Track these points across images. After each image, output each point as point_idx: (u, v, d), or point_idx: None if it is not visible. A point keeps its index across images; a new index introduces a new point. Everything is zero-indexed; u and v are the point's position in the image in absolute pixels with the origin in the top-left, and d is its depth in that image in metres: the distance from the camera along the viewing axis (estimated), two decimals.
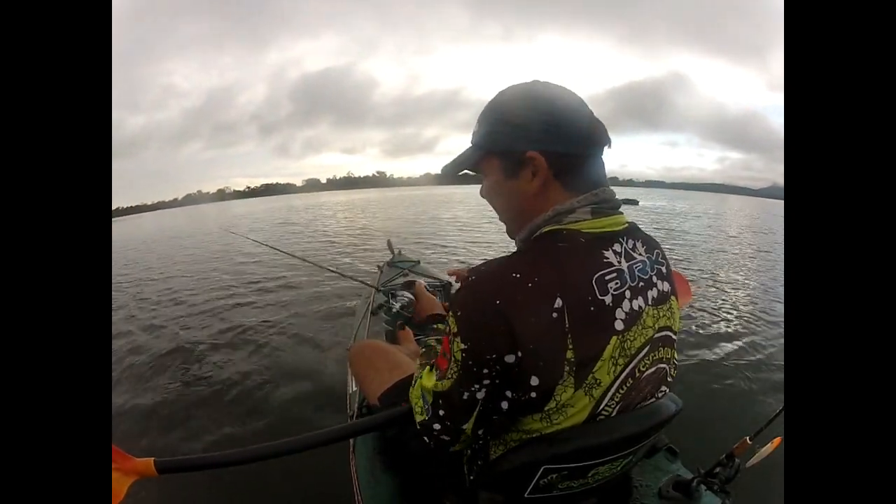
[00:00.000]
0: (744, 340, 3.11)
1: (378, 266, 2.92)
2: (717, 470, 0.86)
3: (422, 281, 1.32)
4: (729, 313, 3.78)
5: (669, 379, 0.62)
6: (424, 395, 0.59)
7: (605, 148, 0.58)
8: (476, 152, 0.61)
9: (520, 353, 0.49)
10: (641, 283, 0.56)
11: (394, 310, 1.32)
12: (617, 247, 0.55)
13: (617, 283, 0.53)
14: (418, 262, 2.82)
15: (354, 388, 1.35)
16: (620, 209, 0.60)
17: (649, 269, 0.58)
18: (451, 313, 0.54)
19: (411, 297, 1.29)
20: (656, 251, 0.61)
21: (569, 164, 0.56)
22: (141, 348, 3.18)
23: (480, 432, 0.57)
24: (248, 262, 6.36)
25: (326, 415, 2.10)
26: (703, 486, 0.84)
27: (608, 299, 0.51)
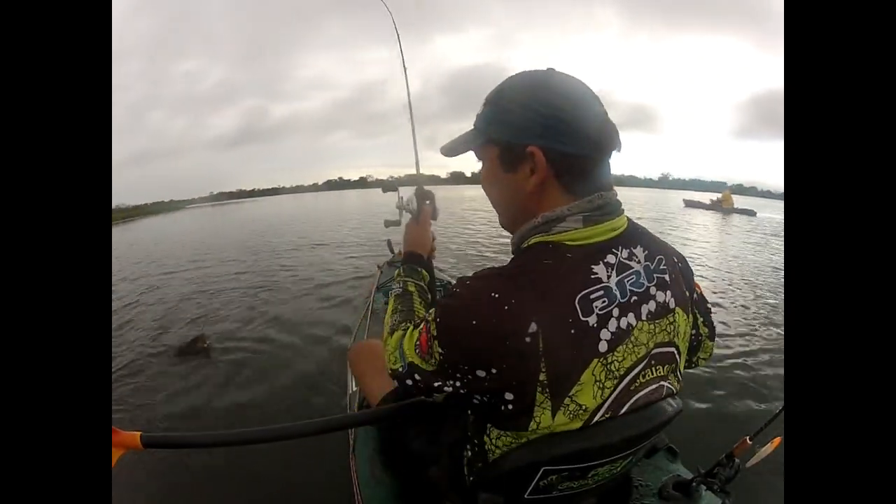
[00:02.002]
0: (745, 339, 3.11)
1: (378, 266, 2.93)
2: (717, 470, 0.86)
3: (428, 207, 0.92)
4: (731, 311, 3.78)
5: (670, 396, 0.58)
6: (403, 352, 0.59)
7: (615, 152, 0.55)
8: (477, 137, 0.58)
9: (493, 371, 0.49)
10: (634, 298, 0.52)
11: (397, 206, 0.98)
12: (611, 258, 0.52)
13: (604, 302, 0.50)
14: None
15: (355, 388, 1.35)
16: (622, 211, 0.57)
17: (645, 280, 0.54)
18: (433, 315, 0.54)
19: (417, 207, 0.92)
20: (658, 257, 0.57)
21: (572, 165, 0.53)
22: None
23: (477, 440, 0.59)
24: None
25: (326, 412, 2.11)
26: (703, 486, 0.83)
27: (592, 320, 0.49)
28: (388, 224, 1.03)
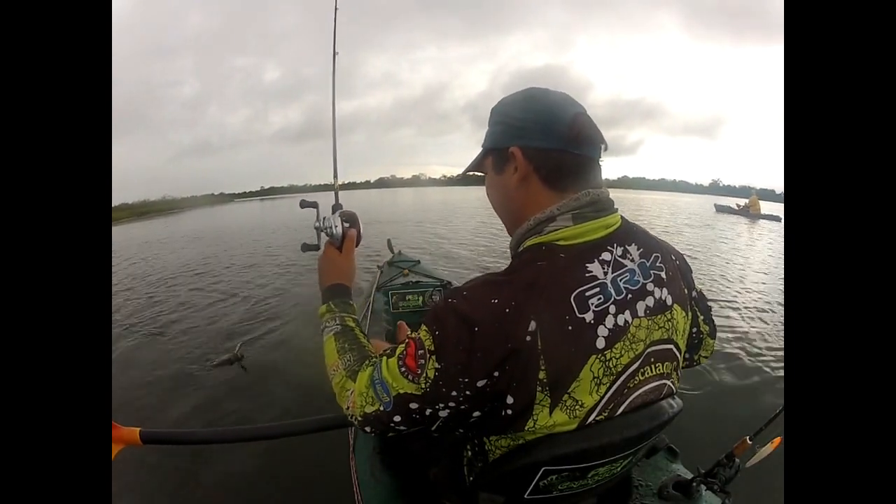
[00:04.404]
0: (745, 338, 3.11)
1: (378, 266, 2.92)
2: (717, 470, 0.86)
3: (353, 231, 0.83)
4: (732, 309, 3.78)
5: (671, 393, 0.59)
6: (386, 385, 0.55)
7: (602, 150, 0.58)
8: (481, 153, 0.65)
9: (495, 374, 0.49)
10: (630, 295, 0.53)
11: (316, 227, 0.83)
12: (606, 255, 0.53)
13: (600, 299, 0.51)
14: (418, 261, 2.82)
15: None
16: (615, 209, 0.58)
17: (641, 277, 0.55)
18: (426, 328, 0.53)
19: (340, 232, 0.82)
20: (654, 255, 0.58)
21: (546, 159, 0.56)
22: None
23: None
24: None
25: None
26: (703, 486, 0.83)
27: (589, 316, 0.50)
28: (305, 248, 0.86)
